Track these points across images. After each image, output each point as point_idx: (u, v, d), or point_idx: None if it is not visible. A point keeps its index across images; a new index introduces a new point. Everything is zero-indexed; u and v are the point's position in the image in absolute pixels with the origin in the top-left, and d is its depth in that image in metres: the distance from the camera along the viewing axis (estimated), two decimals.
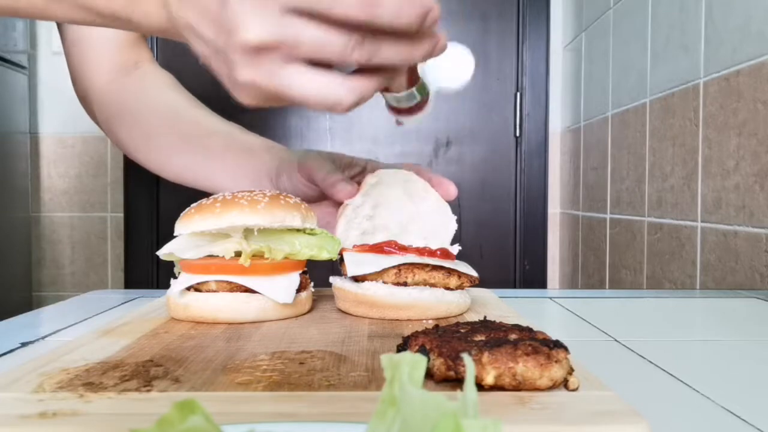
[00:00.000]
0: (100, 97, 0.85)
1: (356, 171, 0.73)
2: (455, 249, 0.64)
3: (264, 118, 2.02)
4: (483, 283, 0.67)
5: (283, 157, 0.75)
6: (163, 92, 0.85)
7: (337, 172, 0.68)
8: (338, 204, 0.67)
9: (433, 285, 0.60)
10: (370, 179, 0.65)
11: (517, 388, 0.36)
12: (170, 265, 0.63)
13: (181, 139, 0.82)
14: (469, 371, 0.20)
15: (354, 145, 2.04)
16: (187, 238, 0.60)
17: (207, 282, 0.58)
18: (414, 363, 0.20)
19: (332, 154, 0.73)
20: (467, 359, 0.20)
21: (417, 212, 0.65)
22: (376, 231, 0.65)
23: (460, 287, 0.61)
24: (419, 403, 0.19)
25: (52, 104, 2.18)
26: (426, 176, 0.69)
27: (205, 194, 0.64)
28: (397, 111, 0.54)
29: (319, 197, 0.72)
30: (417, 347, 0.40)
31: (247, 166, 0.77)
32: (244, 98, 0.40)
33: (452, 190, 0.67)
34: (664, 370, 0.47)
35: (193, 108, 0.84)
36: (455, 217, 0.65)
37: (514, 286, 2.05)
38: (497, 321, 0.45)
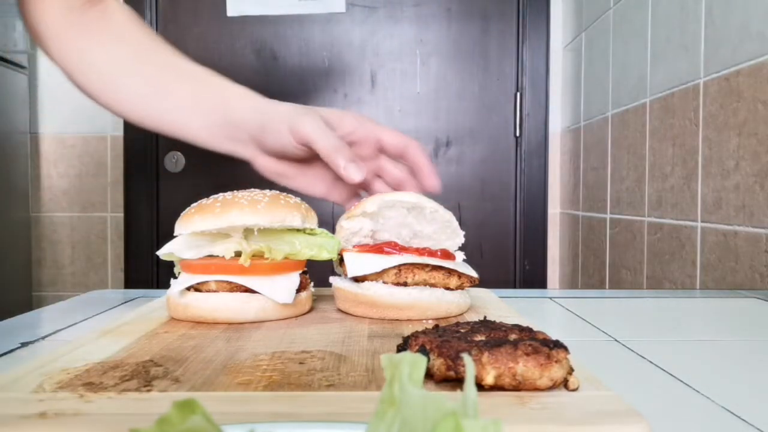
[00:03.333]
0: (54, 35, 0.77)
1: (347, 131, 0.69)
2: (460, 256, 0.64)
3: None
4: (483, 283, 0.66)
5: (266, 113, 0.69)
6: (125, 33, 0.77)
7: (340, 144, 0.65)
8: (328, 168, 0.68)
9: (433, 285, 0.60)
10: (368, 206, 0.61)
11: (517, 388, 0.36)
12: (170, 265, 0.63)
13: (147, 85, 0.75)
14: (469, 371, 0.20)
15: None
16: (187, 238, 0.60)
17: (207, 282, 0.58)
18: (414, 363, 0.20)
19: (320, 114, 0.68)
20: (467, 359, 0.20)
21: (421, 231, 0.64)
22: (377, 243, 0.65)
23: (460, 287, 0.61)
24: (419, 403, 0.19)
25: (52, 104, 2.18)
26: (415, 160, 0.69)
27: (205, 193, 0.64)
28: None
29: (311, 158, 0.69)
30: (417, 347, 0.40)
31: (219, 117, 0.71)
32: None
33: (437, 185, 0.68)
34: (664, 370, 0.47)
35: (159, 49, 0.77)
36: (463, 233, 0.64)
37: (514, 286, 2.05)
38: (497, 321, 0.45)
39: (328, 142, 0.65)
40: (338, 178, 0.69)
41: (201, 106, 0.73)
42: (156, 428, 0.19)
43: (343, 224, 0.62)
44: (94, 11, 0.78)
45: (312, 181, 0.73)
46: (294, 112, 0.68)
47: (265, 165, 0.72)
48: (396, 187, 0.72)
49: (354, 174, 0.64)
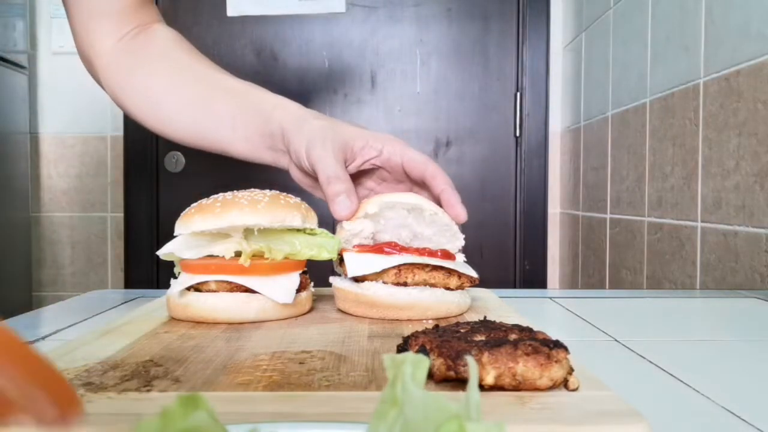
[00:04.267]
0: (106, 63, 0.80)
1: (370, 156, 0.68)
2: (460, 257, 0.64)
3: None
4: (483, 283, 0.66)
5: (294, 130, 0.69)
6: (169, 54, 0.80)
7: (341, 176, 0.64)
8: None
9: (433, 285, 0.60)
10: (369, 208, 0.61)
11: (517, 388, 0.36)
12: (170, 265, 0.63)
13: (189, 103, 0.78)
14: (472, 373, 0.20)
15: None
16: (187, 238, 0.60)
17: (207, 282, 0.58)
18: (417, 363, 0.20)
19: (345, 139, 0.67)
20: (471, 361, 0.20)
21: (421, 232, 0.64)
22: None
23: (460, 287, 0.61)
24: (421, 404, 0.19)
25: (52, 104, 2.18)
26: (438, 188, 0.65)
27: (206, 193, 0.64)
28: None
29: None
30: (417, 347, 0.40)
31: (258, 129, 0.73)
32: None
33: (462, 215, 0.63)
34: (664, 370, 0.47)
35: (200, 68, 0.79)
36: (463, 236, 0.64)
37: (514, 286, 2.05)
38: (497, 321, 0.45)
39: (326, 174, 0.64)
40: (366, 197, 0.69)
41: (241, 120, 0.74)
42: (159, 421, 0.19)
43: (345, 225, 0.62)
44: (141, 36, 0.80)
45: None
46: (313, 135, 0.67)
47: (296, 176, 0.72)
48: None
49: (339, 208, 0.62)
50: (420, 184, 0.69)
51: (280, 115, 0.71)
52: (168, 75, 0.79)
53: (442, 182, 0.66)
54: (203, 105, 0.77)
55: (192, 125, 0.77)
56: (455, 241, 0.63)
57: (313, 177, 0.69)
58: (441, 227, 0.62)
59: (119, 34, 0.79)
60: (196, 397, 0.20)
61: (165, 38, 0.81)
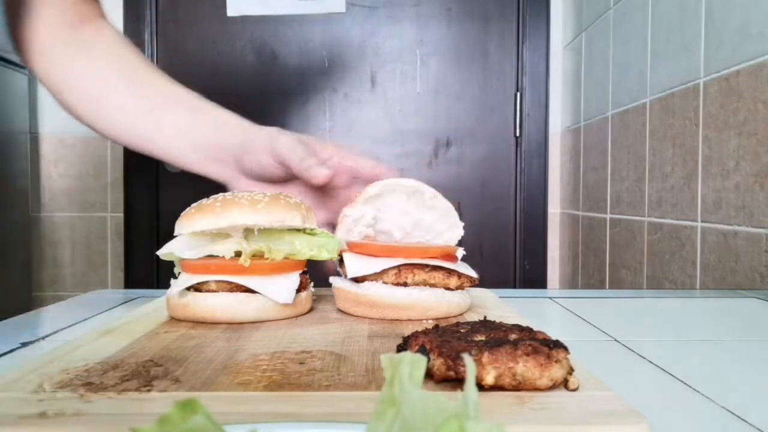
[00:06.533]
0: (44, 52, 0.77)
1: (323, 156, 0.71)
2: (460, 252, 0.64)
3: (267, 114, 2.01)
4: (483, 283, 0.66)
5: (249, 135, 0.72)
6: (117, 51, 0.78)
7: (308, 155, 0.68)
8: (317, 189, 0.70)
9: (433, 285, 0.60)
10: (370, 190, 0.63)
11: (517, 388, 0.36)
12: (170, 265, 0.63)
13: (137, 105, 0.76)
14: (469, 372, 0.19)
15: (354, 145, 2.04)
16: (187, 238, 0.60)
17: (207, 282, 0.58)
18: (414, 363, 0.20)
19: (301, 137, 0.71)
20: (468, 359, 0.20)
21: (422, 219, 0.64)
22: (377, 236, 0.65)
23: (460, 287, 0.61)
24: (419, 404, 0.19)
25: (52, 104, 2.17)
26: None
27: (206, 193, 0.64)
28: None
29: (288, 178, 0.71)
30: (417, 347, 0.40)
31: (212, 140, 0.74)
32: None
33: None
34: (664, 370, 0.47)
35: (150, 71, 0.78)
36: (462, 224, 0.64)
37: (514, 286, 2.05)
38: (497, 321, 0.45)
39: (297, 154, 0.68)
40: (319, 196, 0.72)
41: (193, 129, 0.75)
42: (157, 428, 0.19)
43: (346, 212, 0.63)
44: (88, 30, 0.79)
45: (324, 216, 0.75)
46: (273, 132, 0.71)
47: (244, 187, 0.73)
48: None
49: (316, 172, 0.67)
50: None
51: (233, 128, 0.74)
52: (117, 74, 0.77)
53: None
54: (152, 109, 0.76)
55: (137, 127, 0.76)
56: (456, 230, 0.64)
57: (269, 182, 0.72)
58: (441, 212, 0.63)
59: (61, 21, 0.77)
60: (193, 402, 0.20)
61: (113, 35, 0.80)
